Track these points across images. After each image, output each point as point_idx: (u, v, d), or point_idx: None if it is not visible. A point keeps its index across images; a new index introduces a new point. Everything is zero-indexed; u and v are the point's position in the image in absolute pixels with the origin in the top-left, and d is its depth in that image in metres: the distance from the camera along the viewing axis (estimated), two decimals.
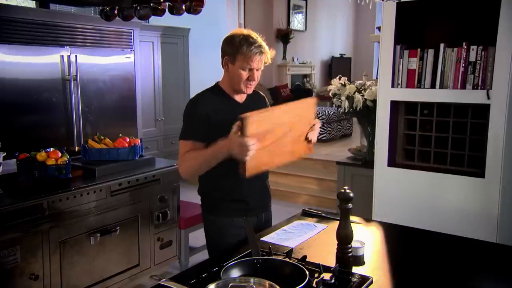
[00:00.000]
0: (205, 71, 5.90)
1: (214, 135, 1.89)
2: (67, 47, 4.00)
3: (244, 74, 1.94)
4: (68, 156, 2.83)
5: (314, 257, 1.64)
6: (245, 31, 1.97)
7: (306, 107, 2.01)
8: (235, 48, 1.92)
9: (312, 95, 10.21)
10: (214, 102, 1.98)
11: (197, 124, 1.95)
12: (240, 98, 2.05)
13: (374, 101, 3.46)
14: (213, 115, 1.94)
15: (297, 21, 10.13)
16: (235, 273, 1.48)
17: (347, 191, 1.59)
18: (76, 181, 2.81)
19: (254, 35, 1.95)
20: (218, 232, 2.04)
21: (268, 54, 1.96)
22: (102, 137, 3.22)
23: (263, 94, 2.24)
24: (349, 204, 1.59)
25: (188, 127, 1.98)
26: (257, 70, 1.96)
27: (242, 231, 1.96)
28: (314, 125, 1.99)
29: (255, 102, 2.11)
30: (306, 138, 1.98)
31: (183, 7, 2.18)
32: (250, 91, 2.01)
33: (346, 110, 3.75)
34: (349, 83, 3.81)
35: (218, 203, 2.04)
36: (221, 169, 1.89)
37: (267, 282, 1.33)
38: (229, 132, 1.86)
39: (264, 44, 1.95)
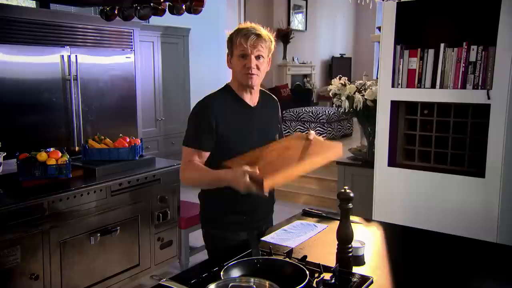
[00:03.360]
0: (205, 71, 5.91)
1: (223, 141, 1.85)
2: (68, 47, 4.00)
3: (241, 62, 1.86)
4: (68, 156, 2.83)
5: (314, 257, 1.64)
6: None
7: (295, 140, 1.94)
8: (230, 40, 1.89)
9: (312, 95, 10.21)
10: (224, 106, 1.90)
11: (204, 131, 1.86)
12: (251, 100, 1.96)
13: (374, 101, 3.46)
14: (222, 121, 1.86)
15: (297, 21, 10.13)
16: (235, 273, 1.48)
17: (347, 191, 1.59)
18: (76, 181, 2.81)
19: (249, 24, 1.90)
20: (219, 244, 1.96)
21: (265, 36, 1.86)
22: (103, 137, 3.22)
23: (276, 99, 2.15)
24: (349, 204, 1.59)
25: (194, 133, 1.89)
26: (256, 57, 1.85)
27: (244, 243, 1.92)
28: (307, 133, 1.91)
29: (267, 107, 2.04)
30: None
31: (183, 7, 2.18)
32: (254, 82, 1.88)
33: (346, 110, 3.76)
34: (349, 83, 3.81)
35: (221, 216, 1.96)
36: None
37: (267, 282, 1.33)
38: (235, 139, 1.83)
39: (260, 28, 1.87)
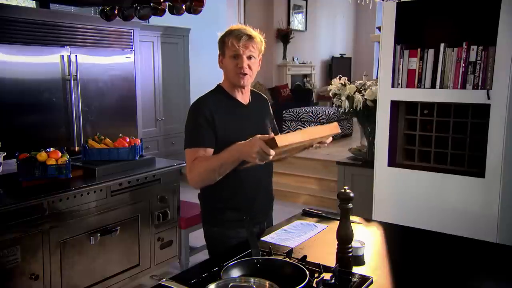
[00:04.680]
0: (205, 71, 5.91)
1: (219, 135, 1.85)
2: (67, 47, 4.01)
3: (233, 62, 1.89)
4: (68, 156, 2.83)
5: (314, 257, 1.64)
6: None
7: (327, 130, 1.87)
8: (222, 40, 1.92)
9: (312, 95, 10.21)
10: (217, 103, 1.91)
11: (203, 129, 1.85)
12: (243, 98, 1.99)
13: (374, 101, 3.46)
14: (218, 115, 1.87)
15: (297, 21, 10.13)
16: (235, 273, 1.48)
17: (347, 191, 1.59)
18: (76, 181, 2.81)
19: (242, 26, 1.93)
20: (219, 242, 1.96)
21: (257, 38, 1.90)
22: (102, 137, 3.22)
23: (265, 97, 2.19)
24: (349, 204, 1.59)
25: (193, 134, 1.87)
26: (248, 58, 1.88)
27: (244, 243, 1.91)
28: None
29: (259, 105, 2.07)
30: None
31: (183, 7, 2.19)
32: (246, 82, 1.92)
33: (346, 110, 3.76)
34: (349, 83, 3.81)
35: (221, 213, 1.96)
36: (224, 178, 1.83)
37: (267, 282, 1.33)
38: (233, 135, 1.81)
39: (251, 29, 1.90)
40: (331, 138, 1.89)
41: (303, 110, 7.72)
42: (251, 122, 1.98)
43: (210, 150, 1.86)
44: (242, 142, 1.68)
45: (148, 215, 3.17)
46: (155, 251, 3.25)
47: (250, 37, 1.88)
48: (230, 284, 1.31)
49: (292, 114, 7.71)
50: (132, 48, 4.61)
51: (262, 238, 1.91)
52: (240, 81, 1.91)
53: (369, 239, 1.89)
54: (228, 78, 1.95)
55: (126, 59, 4.57)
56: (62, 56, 3.97)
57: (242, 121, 1.95)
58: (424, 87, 2.90)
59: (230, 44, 1.88)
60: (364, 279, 1.52)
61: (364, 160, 3.79)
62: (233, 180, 1.87)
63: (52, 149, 2.83)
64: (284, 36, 9.39)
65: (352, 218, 1.79)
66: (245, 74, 1.90)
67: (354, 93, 3.68)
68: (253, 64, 1.92)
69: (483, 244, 1.93)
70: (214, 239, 2.00)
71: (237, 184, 1.92)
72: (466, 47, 2.74)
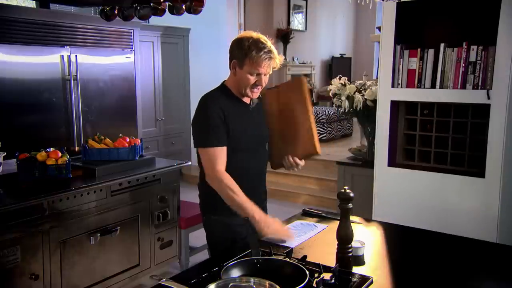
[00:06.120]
0: (205, 71, 5.91)
1: (228, 134, 1.90)
2: (67, 47, 4.01)
3: (252, 79, 1.91)
4: (68, 156, 2.83)
5: (314, 257, 1.64)
6: (255, 35, 1.93)
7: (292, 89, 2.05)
8: (243, 52, 1.89)
9: (312, 95, 10.20)
10: (224, 102, 1.95)
11: (219, 125, 1.89)
12: (247, 99, 2.04)
13: (374, 101, 3.46)
14: (228, 112, 1.92)
15: (297, 21, 10.13)
16: (235, 273, 1.48)
17: (347, 191, 1.59)
18: (76, 181, 2.81)
19: (264, 39, 1.92)
20: (219, 230, 2.02)
21: (277, 59, 1.93)
22: (102, 137, 3.22)
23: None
24: (349, 204, 1.59)
25: (209, 129, 1.90)
26: (264, 75, 1.93)
27: (243, 228, 1.94)
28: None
29: (260, 103, 2.11)
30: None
31: (183, 7, 2.19)
32: (256, 96, 1.99)
33: (346, 110, 3.75)
34: (349, 83, 3.81)
35: (219, 203, 1.99)
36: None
37: (267, 282, 1.33)
38: (237, 134, 1.89)
39: (273, 48, 1.92)
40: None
41: None
42: (253, 121, 2.03)
43: (225, 148, 1.91)
44: (262, 217, 1.88)
45: (148, 215, 3.16)
46: (155, 251, 3.25)
47: (272, 58, 1.91)
48: (230, 284, 1.31)
49: None
50: (132, 48, 4.61)
51: (262, 238, 1.91)
52: (253, 95, 1.97)
53: (369, 239, 1.89)
54: (239, 87, 1.97)
55: (126, 59, 4.57)
56: (62, 56, 3.97)
57: (246, 120, 2.00)
58: (424, 87, 2.90)
59: (254, 63, 1.88)
60: (364, 279, 1.52)
61: (364, 160, 3.79)
62: (232, 169, 1.90)
63: (52, 149, 2.83)
64: (284, 36, 9.39)
65: (352, 218, 1.79)
66: (259, 90, 1.97)
67: (354, 93, 3.68)
68: (266, 78, 1.96)
69: (483, 244, 1.93)
70: (211, 227, 2.06)
71: (236, 174, 1.94)
72: (466, 47, 2.74)
